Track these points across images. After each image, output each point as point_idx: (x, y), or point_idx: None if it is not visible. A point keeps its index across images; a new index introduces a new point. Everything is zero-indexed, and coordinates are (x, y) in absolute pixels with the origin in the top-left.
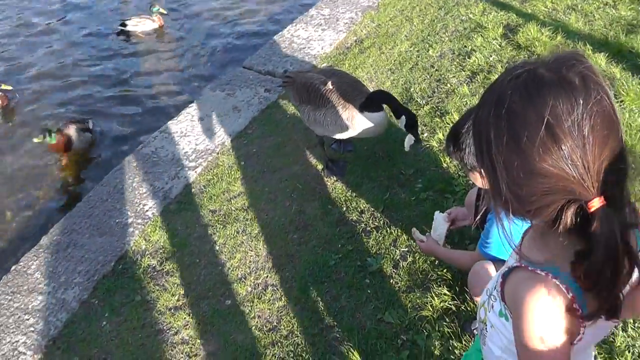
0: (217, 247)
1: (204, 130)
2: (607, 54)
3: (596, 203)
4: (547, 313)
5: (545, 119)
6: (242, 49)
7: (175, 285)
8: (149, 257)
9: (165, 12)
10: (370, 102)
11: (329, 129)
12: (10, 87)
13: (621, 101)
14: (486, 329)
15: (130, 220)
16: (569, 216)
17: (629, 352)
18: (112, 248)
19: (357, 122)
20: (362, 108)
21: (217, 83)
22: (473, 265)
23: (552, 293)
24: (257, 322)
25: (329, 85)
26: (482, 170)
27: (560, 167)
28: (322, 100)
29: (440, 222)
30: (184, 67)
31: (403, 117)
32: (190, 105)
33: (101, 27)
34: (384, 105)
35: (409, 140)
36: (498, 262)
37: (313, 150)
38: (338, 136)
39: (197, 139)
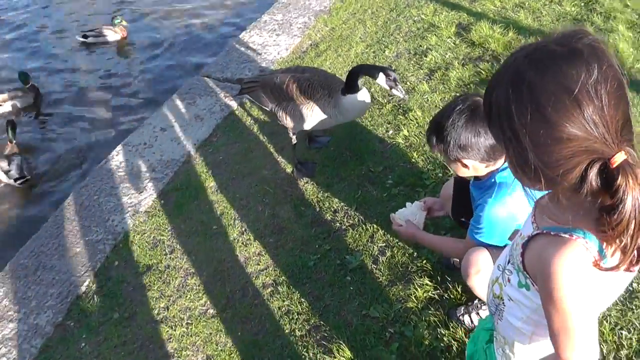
0: (193, 257)
1: (167, 140)
2: None
3: (619, 157)
4: (576, 272)
5: (567, 87)
6: (200, 57)
7: (154, 298)
8: (123, 273)
9: (126, 24)
10: (350, 81)
11: (316, 121)
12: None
13: None
14: (503, 303)
15: (100, 237)
16: (593, 175)
17: (606, 321)
18: (84, 267)
19: (344, 107)
20: (344, 92)
21: (177, 93)
22: (464, 252)
23: (578, 252)
24: (242, 327)
25: (309, 79)
26: (505, 145)
27: (584, 129)
28: (307, 94)
29: (417, 211)
30: (144, 78)
31: (380, 73)
32: (151, 117)
33: (61, 38)
34: (362, 85)
35: (397, 92)
36: (490, 247)
37: (281, 154)
38: (327, 125)
39: (161, 150)
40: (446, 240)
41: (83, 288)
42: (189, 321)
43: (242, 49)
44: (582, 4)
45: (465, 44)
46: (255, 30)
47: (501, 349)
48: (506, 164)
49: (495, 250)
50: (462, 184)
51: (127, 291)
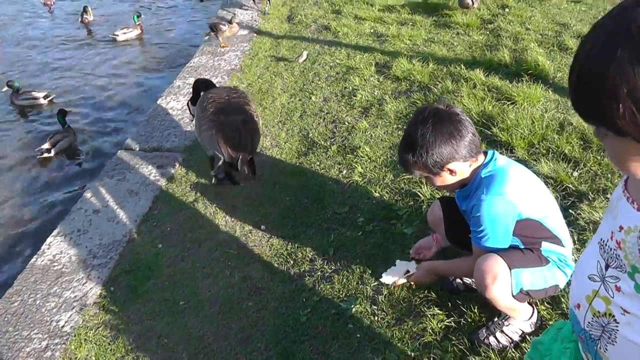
0: (165, 340)
1: (104, 222)
2: (482, 69)
3: None
4: None
5: None
6: (116, 131)
7: None
8: None
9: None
10: (197, 92)
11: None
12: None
13: (513, 102)
14: (614, 320)
15: (45, 344)
16: None
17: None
18: None
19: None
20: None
21: (104, 171)
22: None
23: None
24: None
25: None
26: (620, 123)
27: None
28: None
29: (406, 265)
30: (62, 164)
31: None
32: (80, 200)
33: None
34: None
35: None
36: (499, 251)
37: (233, 214)
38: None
39: (99, 233)
40: (457, 260)
41: None
42: None
43: (162, 116)
44: (488, 32)
45: (389, 80)
46: (170, 96)
47: None
48: (487, 159)
49: (503, 252)
50: (448, 204)
51: None
